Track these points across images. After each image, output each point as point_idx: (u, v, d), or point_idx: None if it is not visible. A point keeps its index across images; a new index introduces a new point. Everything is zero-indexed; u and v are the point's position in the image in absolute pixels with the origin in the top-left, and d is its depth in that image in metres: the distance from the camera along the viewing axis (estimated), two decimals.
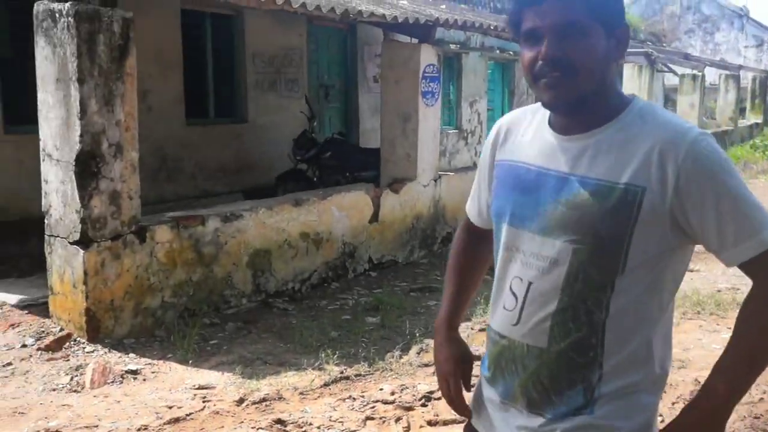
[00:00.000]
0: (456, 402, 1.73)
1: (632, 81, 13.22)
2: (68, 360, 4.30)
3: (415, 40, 7.60)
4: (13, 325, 4.78)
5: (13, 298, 5.22)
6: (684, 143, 1.38)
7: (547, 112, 1.54)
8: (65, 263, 4.62)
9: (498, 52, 13.85)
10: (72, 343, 4.49)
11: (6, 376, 4.09)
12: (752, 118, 23.82)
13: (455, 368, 1.73)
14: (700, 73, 16.94)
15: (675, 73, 18.72)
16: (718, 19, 27.82)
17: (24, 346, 4.46)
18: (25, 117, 7.09)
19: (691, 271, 6.87)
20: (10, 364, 4.24)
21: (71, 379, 4.09)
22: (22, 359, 4.31)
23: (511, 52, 14.12)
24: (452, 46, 12.04)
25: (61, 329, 4.60)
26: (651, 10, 27.24)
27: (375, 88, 10.71)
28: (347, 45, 10.85)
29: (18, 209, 6.78)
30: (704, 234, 1.39)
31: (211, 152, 8.74)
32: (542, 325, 1.47)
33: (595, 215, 1.40)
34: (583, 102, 1.44)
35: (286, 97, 9.68)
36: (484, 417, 1.65)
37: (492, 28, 9.03)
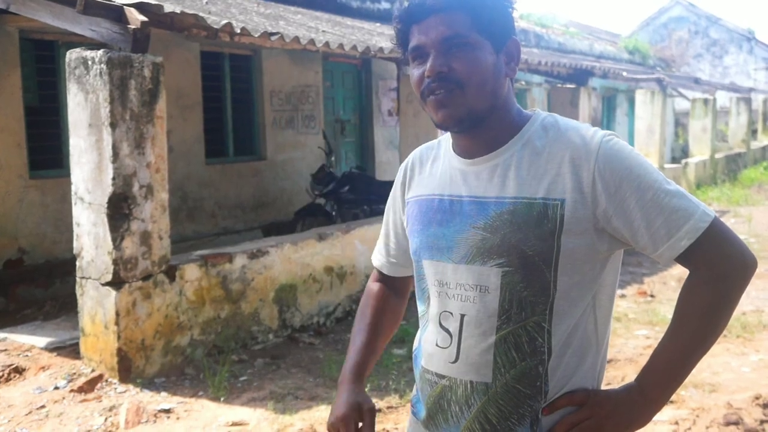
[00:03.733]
0: None
1: (644, 107, 13.27)
2: (101, 401, 4.34)
3: None
4: (43, 367, 4.83)
5: (41, 341, 5.28)
6: (593, 147, 1.35)
7: (451, 140, 1.51)
8: (97, 304, 4.69)
9: None
10: (104, 383, 4.54)
11: (41, 419, 4.14)
12: (764, 140, 23.80)
13: (351, 413, 1.50)
14: (711, 97, 16.99)
15: (686, 98, 18.78)
16: (726, 43, 27.96)
17: (56, 388, 4.51)
18: (50, 162, 7.26)
19: None
20: (43, 407, 4.28)
21: (105, 420, 4.13)
22: (55, 401, 4.35)
23: (523, 82, 14.24)
24: None
25: (93, 370, 4.65)
26: (659, 36, 27.43)
27: (389, 122, 10.84)
28: (362, 80, 11.01)
29: (43, 252, 6.89)
30: (634, 234, 1.35)
31: (231, 190, 8.86)
32: (484, 357, 1.39)
33: (517, 235, 1.35)
34: (476, 119, 1.39)
35: (304, 134, 9.81)
36: None
37: None
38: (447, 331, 1.43)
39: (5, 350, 5.02)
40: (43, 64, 7.24)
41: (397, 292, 1.71)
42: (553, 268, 1.35)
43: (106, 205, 4.57)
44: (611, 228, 1.36)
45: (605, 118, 17.85)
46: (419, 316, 1.56)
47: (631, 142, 16.70)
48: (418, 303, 1.56)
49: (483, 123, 1.40)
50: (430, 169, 1.55)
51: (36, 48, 7.19)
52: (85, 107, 4.72)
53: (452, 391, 1.43)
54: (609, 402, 1.39)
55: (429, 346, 1.48)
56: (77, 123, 4.80)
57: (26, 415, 4.16)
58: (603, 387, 1.50)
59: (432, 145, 1.60)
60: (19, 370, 4.73)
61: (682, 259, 1.35)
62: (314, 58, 9.58)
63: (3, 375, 4.65)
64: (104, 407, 4.27)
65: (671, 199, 1.33)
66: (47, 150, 7.27)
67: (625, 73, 14.19)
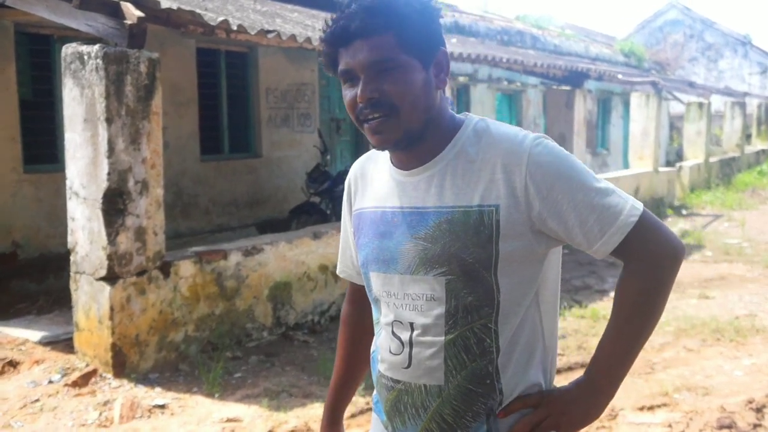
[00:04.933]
0: None
1: (639, 110, 13.30)
2: (95, 396, 4.34)
3: None
4: (37, 361, 4.82)
5: (35, 335, 5.27)
6: (523, 152, 1.38)
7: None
8: (91, 299, 4.68)
9: (506, 83, 14.00)
10: (98, 378, 4.53)
11: (35, 413, 4.13)
12: (759, 145, 23.91)
13: None
14: (706, 101, 17.05)
15: (680, 101, 18.84)
16: (722, 47, 28.06)
17: (50, 382, 4.50)
18: (44, 156, 7.24)
19: (707, 298, 6.89)
20: (38, 400, 4.27)
21: (100, 414, 4.12)
22: (50, 395, 4.34)
23: (518, 83, 14.28)
24: (461, 79, 12.19)
25: (87, 365, 4.64)
26: (654, 39, 27.50)
27: None
28: None
29: (36, 246, 6.87)
30: (569, 233, 1.39)
31: (226, 187, 8.85)
32: (434, 361, 1.43)
33: (456, 243, 1.39)
34: (412, 139, 1.41)
35: (299, 132, 9.81)
36: None
37: (502, 60, 9.17)
38: (399, 338, 1.47)
39: None
40: (38, 59, 7.22)
41: (368, 304, 1.67)
42: (494, 272, 1.39)
43: (101, 201, 4.56)
44: (547, 229, 1.40)
45: (600, 121, 17.90)
46: (374, 321, 1.59)
47: (626, 145, 16.76)
48: (372, 308, 1.60)
49: (417, 140, 1.42)
50: (371, 181, 1.58)
51: (31, 42, 7.16)
52: (80, 102, 4.71)
53: (408, 394, 1.48)
54: (562, 399, 1.45)
55: (384, 352, 1.52)
56: (73, 118, 4.79)
57: (21, 408, 4.15)
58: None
59: (372, 156, 1.61)
60: (13, 364, 4.72)
61: (616, 252, 1.41)
62: (311, 56, 9.57)
63: None
64: (98, 402, 4.26)
65: (601, 197, 1.38)
66: (41, 144, 7.24)
67: (620, 76, 14.23)
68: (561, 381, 1.55)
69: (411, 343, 1.45)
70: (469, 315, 1.41)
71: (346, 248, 1.72)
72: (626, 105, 17.39)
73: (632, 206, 1.39)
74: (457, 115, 1.49)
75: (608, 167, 17.25)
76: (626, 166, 16.07)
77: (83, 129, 4.71)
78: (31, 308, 6.08)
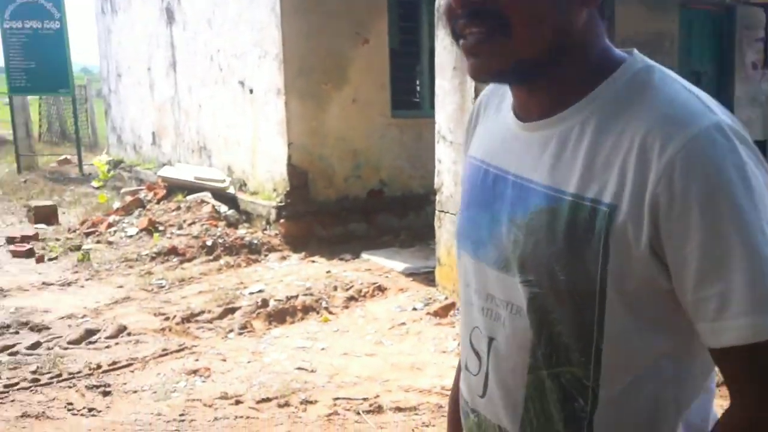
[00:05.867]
0: None
1: None
2: (454, 327, 4.65)
3: None
4: (402, 289, 5.30)
5: (398, 266, 5.79)
6: (680, 136, 0.85)
7: None
8: (453, 237, 4.99)
9: None
10: (456, 311, 4.85)
11: (402, 334, 4.56)
12: None
13: None
14: None
15: None
16: None
17: (414, 309, 4.92)
18: (407, 102, 7.84)
19: None
20: (404, 324, 4.71)
21: (458, 344, 4.42)
22: (414, 321, 4.75)
23: None
24: None
25: (446, 297, 4.98)
26: None
27: (754, 76, 9.80)
28: (722, 29, 10.05)
29: (400, 186, 7.49)
30: (679, 282, 0.88)
31: None
32: (512, 403, 1.02)
33: (551, 246, 0.93)
34: (527, 71, 0.95)
35: None
36: None
37: None
38: (476, 353, 1.08)
39: (369, 270, 5.61)
40: (405, 10, 7.76)
41: None
42: (597, 304, 0.92)
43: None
44: (665, 259, 0.89)
45: None
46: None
47: None
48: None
49: (539, 74, 0.96)
50: (490, 119, 1.13)
51: None
52: (450, 51, 4.96)
53: (482, 430, 1.11)
54: None
55: (463, 367, 1.14)
56: (443, 66, 5.07)
57: (389, 329, 4.62)
58: None
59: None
60: (381, 289, 5.26)
61: (721, 358, 0.88)
62: (671, 5, 8.95)
63: (369, 291, 5.21)
64: (457, 332, 4.56)
65: (751, 265, 0.83)
66: (406, 92, 7.83)
67: None
68: None
69: (488, 366, 1.05)
70: (555, 354, 0.96)
71: None
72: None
73: None
74: (618, 51, 0.99)
75: None
76: None
77: (452, 77, 4.96)
78: (393, 241, 6.70)
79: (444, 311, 4.78)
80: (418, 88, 8.75)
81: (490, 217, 1.03)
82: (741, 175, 0.84)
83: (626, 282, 0.90)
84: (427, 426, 3.41)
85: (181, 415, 3.54)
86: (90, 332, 4.68)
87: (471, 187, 1.10)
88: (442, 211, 5.12)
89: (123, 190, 9.10)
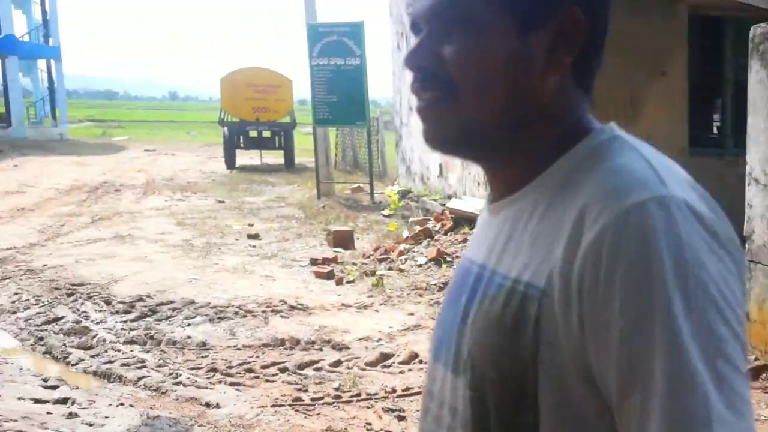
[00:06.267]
0: None
1: None
2: (767, 392, 4.20)
3: None
4: None
5: None
6: (613, 209, 0.73)
7: None
8: (766, 291, 4.52)
9: None
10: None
11: None
12: None
13: None
14: None
15: None
16: None
17: None
18: (706, 139, 7.32)
19: None
20: None
21: None
22: None
23: None
24: None
25: (756, 358, 4.52)
26: None
27: None
28: None
29: None
30: (604, 381, 0.73)
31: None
32: None
33: (488, 337, 0.83)
34: (472, 141, 0.87)
35: None
36: None
37: None
38: None
39: None
40: (707, 41, 7.28)
41: None
42: (531, 404, 0.79)
43: None
44: (591, 366, 0.75)
45: None
46: None
47: None
48: None
49: (493, 148, 0.88)
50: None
51: (701, 25, 7.26)
52: (767, 85, 4.53)
53: None
54: None
55: None
56: (756, 101, 4.65)
57: None
58: None
59: None
60: None
61: None
62: None
63: None
64: None
65: (673, 375, 0.68)
66: (703, 126, 7.33)
67: None
68: None
69: None
70: None
71: None
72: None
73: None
74: (595, 123, 0.88)
75: None
76: None
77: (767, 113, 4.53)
78: None
79: (755, 374, 4.33)
80: (717, 123, 8.16)
81: (453, 314, 0.93)
82: (676, 259, 0.70)
83: (553, 378, 0.77)
84: None
85: None
86: (385, 356, 4.99)
87: (452, 283, 1.01)
88: (753, 261, 4.67)
89: (411, 220, 9.61)
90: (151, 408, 4.17)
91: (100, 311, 6.06)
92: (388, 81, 13.70)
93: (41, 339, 5.34)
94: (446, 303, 0.99)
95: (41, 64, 31.32)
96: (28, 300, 6.36)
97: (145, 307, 6.14)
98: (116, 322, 5.77)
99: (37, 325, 5.65)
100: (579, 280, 0.74)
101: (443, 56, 0.84)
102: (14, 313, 6.01)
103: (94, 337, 5.38)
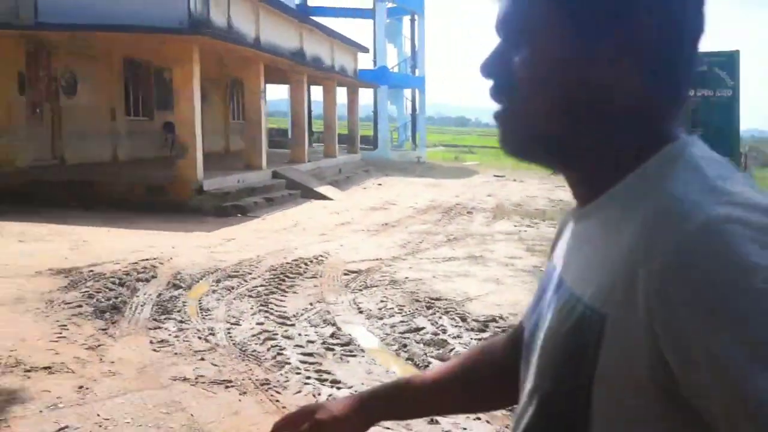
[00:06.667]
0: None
1: None
2: None
3: None
4: None
5: None
6: (671, 236, 0.67)
7: None
8: None
9: None
10: None
11: None
12: None
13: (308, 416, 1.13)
14: None
15: None
16: None
17: None
18: None
19: None
20: None
21: None
22: None
23: None
24: None
25: None
26: None
27: None
28: None
29: None
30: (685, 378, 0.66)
31: None
32: None
33: (548, 359, 0.82)
34: (537, 148, 0.83)
35: None
36: None
37: None
38: None
39: None
40: None
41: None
42: (582, 421, 0.75)
43: None
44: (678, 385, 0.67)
45: None
46: None
47: None
48: None
49: (561, 156, 0.83)
50: None
51: None
52: None
53: None
54: None
55: None
56: None
57: None
58: None
59: None
60: None
61: None
62: None
63: None
64: None
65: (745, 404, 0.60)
66: None
67: None
68: None
69: None
70: None
71: None
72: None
73: None
74: (678, 134, 0.78)
75: None
76: None
77: None
78: None
79: None
80: None
81: (536, 324, 0.91)
82: (744, 286, 0.62)
83: (612, 400, 0.73)
84: None
85: None
86: None
87: (538, 287, 1.01)
88: None
89: None
90: (506, 427, 4.21)
91: (456, 326, 6.33)
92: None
93: (405, 346, 5.74)
94: (530, 308, 1.00)
95: (406, 92, 34.41)
96: (392, 308, 6.91)
97: (498, 327, 6.27)
98: (471, 338, 5.98)
99: (401, 333, 6.09)
100: (645, 309, 0.68)
101: (512, 65, 0.85)
102: (381, 318, 6.56)
103: (452, 350, 5.63)
